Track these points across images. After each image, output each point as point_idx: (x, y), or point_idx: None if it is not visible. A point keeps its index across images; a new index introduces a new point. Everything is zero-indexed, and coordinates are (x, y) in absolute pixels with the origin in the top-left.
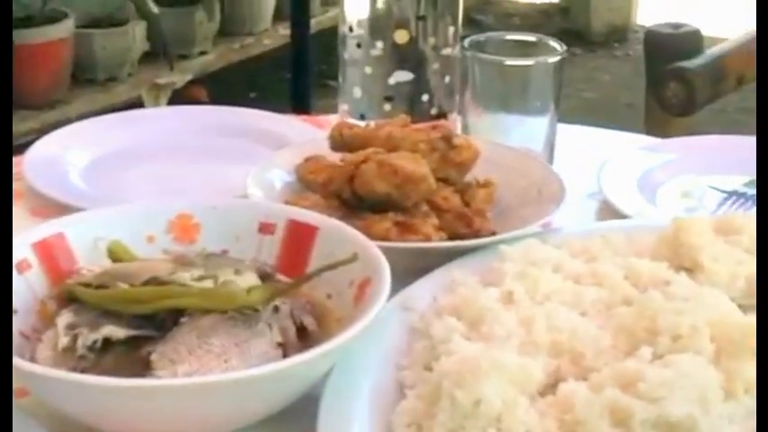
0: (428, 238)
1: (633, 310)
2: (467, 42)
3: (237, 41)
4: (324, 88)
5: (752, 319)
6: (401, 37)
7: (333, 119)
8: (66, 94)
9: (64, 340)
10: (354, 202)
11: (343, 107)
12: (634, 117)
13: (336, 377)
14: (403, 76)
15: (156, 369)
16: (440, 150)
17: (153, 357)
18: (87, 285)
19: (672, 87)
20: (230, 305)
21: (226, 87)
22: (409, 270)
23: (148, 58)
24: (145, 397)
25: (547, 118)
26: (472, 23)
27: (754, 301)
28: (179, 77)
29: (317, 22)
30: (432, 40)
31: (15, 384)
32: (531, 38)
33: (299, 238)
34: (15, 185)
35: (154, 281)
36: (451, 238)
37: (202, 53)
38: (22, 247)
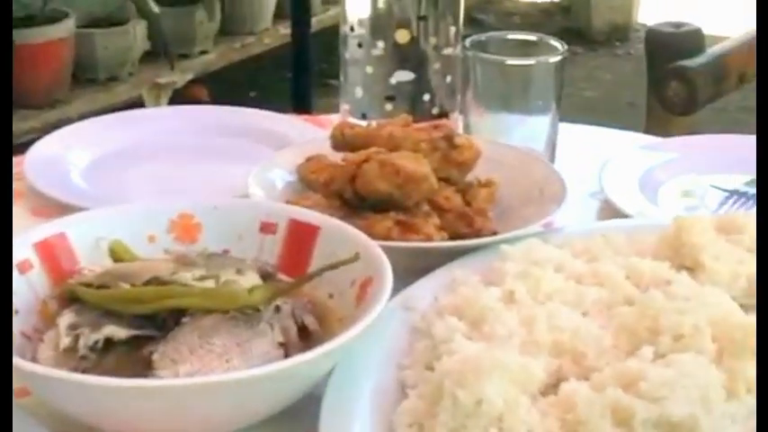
0: (429, 238)
1: (635, 309)
2: (468, 42)
3: (238, 41)
4: (325, 87)
5: (753, 318)
6: (402, 37)
7: (334, 118)
8: (67, 94)
9: (65, 340)
10: (356, 202)
11: (345, 107)
12: (635, 116)
13: (338, 377)
14: (404, 75)
15: (158, 369)
16: (441, 150)
17: (154, 357)
18: (89, 285)
19: (673, 86)
20: (232, 305)
21: (226, 87)
22: (411, 270)
23: (149, 57)
24: (146, 397)
25: (548, 117)
26: (473, 22)
27: (755, 300)
28: (180, 77)
29: (317, 20)
30: (433, 40)
31: (17, 384)
32: (532, 37)
33: (301, 238)
34: (16, 185)
35: (155, 281)
36: (453, 237)
37: (203, 52)
38: (23, 248)
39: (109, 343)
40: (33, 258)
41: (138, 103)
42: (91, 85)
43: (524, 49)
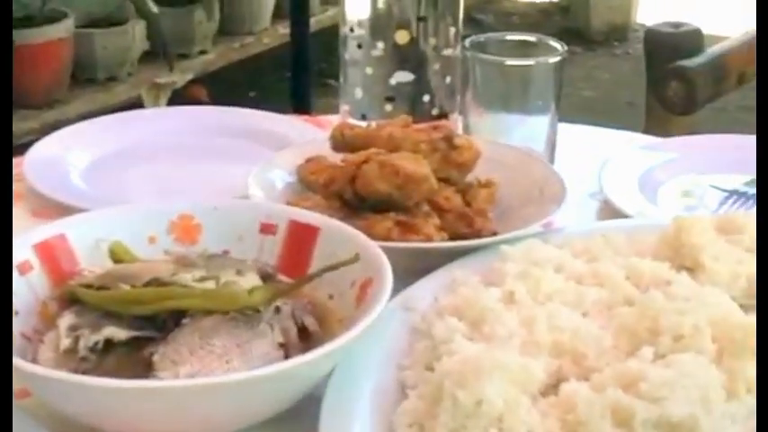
0: (429, 239)
1: (635, 310)
2: (467, 43)
3: (237, 41)
4: (324, 87)
5: (753, 318)
6: (402, 37)
7: (334, 119)
8: (66, 94)
9: (65, 341)
10: (356, 203)
11: (345, 107)
12: (635, 116)
13: (338, 377)
14: (404, 76)
15: (158, 370)
16: (441, 150)
17: (155, 358)
18: (89, 286)
19: (672, 86)
20: (232, 306)
21: (226, 87)
22: (411, 270)
23: (148, 57)
24: (146, 398)
25: (548, 117)
26: (472, 22)
27: (755, 300)
28: (179, 77)
29: (316, 20)
30: (432, 41)
31: (17, 385)
32: (531, 38)
33: (301, 239)
34: (16, 186)
35: (155, 282)
36: (453, 238)
37: (202, 52)
38: (23, 249)
39: (109, 344)
40: (33, 260)
41: (137, 104)
42: (90, 85)
43: (523, 49)
